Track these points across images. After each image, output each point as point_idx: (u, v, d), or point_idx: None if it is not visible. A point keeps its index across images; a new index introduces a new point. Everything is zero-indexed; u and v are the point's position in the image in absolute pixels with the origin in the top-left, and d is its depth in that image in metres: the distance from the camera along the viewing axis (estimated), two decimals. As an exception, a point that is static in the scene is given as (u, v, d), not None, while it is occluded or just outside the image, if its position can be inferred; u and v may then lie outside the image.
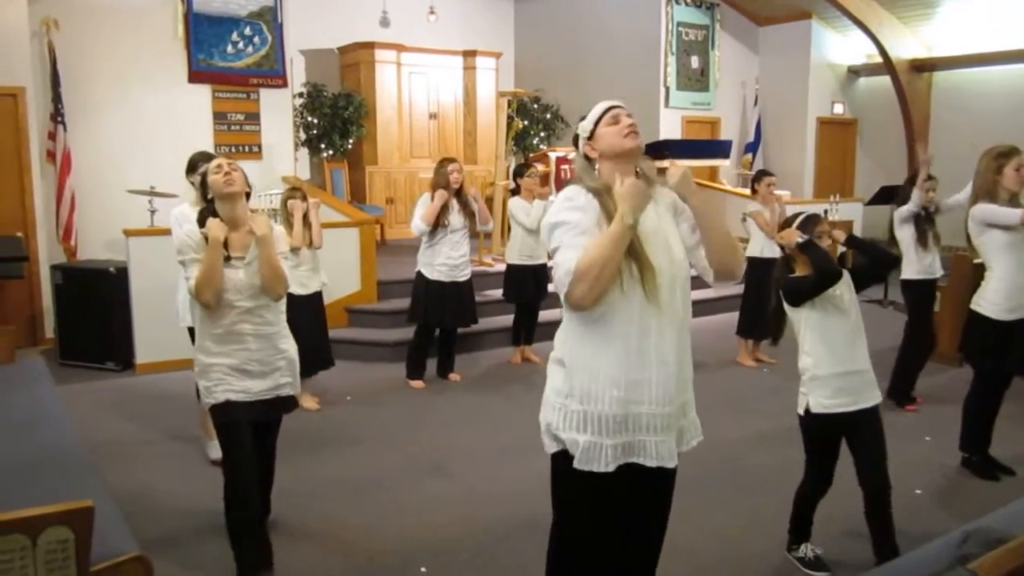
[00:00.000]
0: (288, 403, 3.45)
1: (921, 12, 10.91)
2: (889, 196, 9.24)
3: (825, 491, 3.40)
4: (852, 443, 3.27)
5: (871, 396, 3.23)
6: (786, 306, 3.30)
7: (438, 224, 5.90)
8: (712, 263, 2.40)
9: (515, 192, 6.80)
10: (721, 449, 4.66)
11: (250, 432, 3.31)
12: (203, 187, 3.34)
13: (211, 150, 8.83)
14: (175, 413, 5.45)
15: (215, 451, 4.25)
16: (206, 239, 3.16)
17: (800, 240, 3.19)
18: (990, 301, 4.16)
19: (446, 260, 5.98)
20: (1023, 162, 4.07)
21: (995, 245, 4.13)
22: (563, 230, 2.28)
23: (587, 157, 2.43)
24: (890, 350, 5.60)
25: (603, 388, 2.27)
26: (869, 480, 3.23)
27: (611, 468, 2.28)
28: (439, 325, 6.23)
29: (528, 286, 6.69)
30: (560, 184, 8.81)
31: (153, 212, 6.96)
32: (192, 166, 4.57)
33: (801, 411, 3.29)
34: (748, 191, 7.62)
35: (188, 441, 4.97)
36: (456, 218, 5.99)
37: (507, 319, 7.18)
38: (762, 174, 6.81)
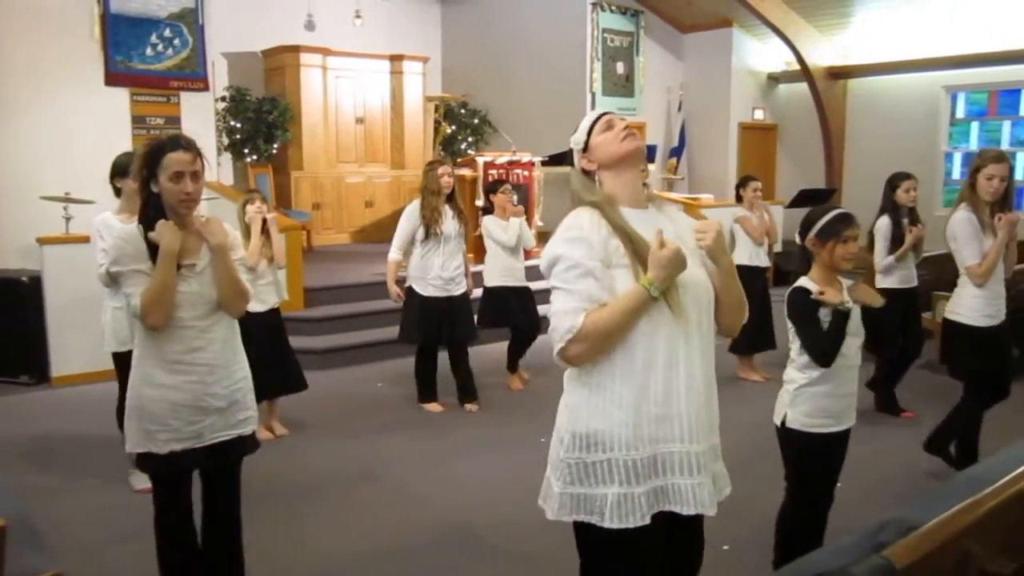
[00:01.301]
0: (249, 443, 2.93)
1: (837, 21, 11.27)
2: (809, 199, 9.54)
3: (827, 509, 3.20)
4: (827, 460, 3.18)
5: (849, 419, 3.12)
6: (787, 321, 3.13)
7: (429, 233, 5.44)
8: (720, 319, 2.22)
9: (487, 211, 6.41)
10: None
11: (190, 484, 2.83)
12: (145, 192, 2.72)
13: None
14: (95, 426, 5.27)
15: (140, 481, 3.96)
16: (149, 247, 2.64)
17: (841, 308, 2.95)
18: (970, 308, 4.15)
19: (440, 273, 5.49)
20: (993, 173, 4.00)
21: (979, 251, 4.10)
22: (563, 267, 2.05)
23: (585, 171, 2.22)
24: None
25: (627, 428, 2.02)
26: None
27: (647, 520, 2.02)
28: (435, 345, 5.71)
29: (513, 310, 6.13)
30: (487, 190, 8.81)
31: (68, 219, 6.73)
32: (120, 170, 4.18)
33: (777, 421, 3.15)
34: (670, 193, 7.68)
35: (109, 456, 4.81)
36: (450, 225, 5.50)
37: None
38: (748, 179, 6.67)
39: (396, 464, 4.76)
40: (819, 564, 1.96)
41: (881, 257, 5.45)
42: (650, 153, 11.30)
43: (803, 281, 3.05)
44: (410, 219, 5.53)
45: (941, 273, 6.96)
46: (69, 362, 6.39)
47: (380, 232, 11.37)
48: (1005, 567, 1.71)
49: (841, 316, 2.94)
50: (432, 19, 13.24)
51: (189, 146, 2.70)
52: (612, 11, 11.89)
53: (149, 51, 8.85)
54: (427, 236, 5.45)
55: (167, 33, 8.95)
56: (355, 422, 5.54)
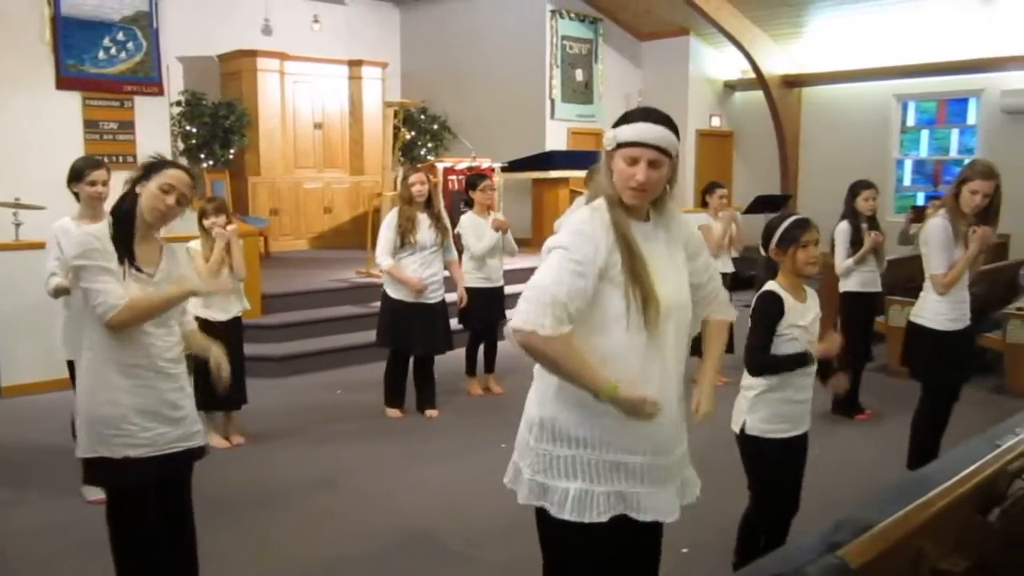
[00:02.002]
0: (198, 455, 2.88)
1: (791, 31, 11.46)
2: (764, 205, 9.68)
3: (791, 516, 3.20)
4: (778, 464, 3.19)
5: (805, 423, 3.15)
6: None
7: (404, 241, 5.39)
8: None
9: (468, 204, 6.17)
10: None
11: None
12: (129, 188, 2.71)
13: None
14: (47, 436, 5.15)
15: (93, 492, 3.83)
16: (120, 249, 2.63)
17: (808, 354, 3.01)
18: (934, 312, 4.17)
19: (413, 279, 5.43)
20: (978, 188, 3.98)
21: (948, 259, 4.13)
22: (562, 256, 2.01)
23: (608, 164, 2.12)
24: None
25: (595, 430, 2.06)
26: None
27: (604, 519, 2.06)
28: (407, 351, 5.62)
29: (491, 310, 6.03)
30: (448, 196, 8.81)
31: (18, 225, 6.57)
32: (77, 174, 4.05)
33: (736, 428, 3.15)
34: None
35: (62, 466, 4.70)
36: (426, 235, 5.42)
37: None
38: (714, 186, 6.72)
39: (357, 471, 4.73)
40: (775, 565, 1.98)
41: (841, 260, 5.55)
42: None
43: (772, 286, 3.06)
44: (388, 227, 5.49)
45: (894, 278, 7.11)
46: (19, 371, 6.24)
47: (339, 238, 11.30)
48: (957, 565, 1.75)
49: (804, 358, 3.00)
50: (391, 24, 13.20)
51: (191, 175, 2.78)
52: (571, 18, 11.97)
53: (102, 55, 8.71)
54: (402, 244, 5.42)
55: (120, 36, 8.82)
56: (314, 429, 5.49)
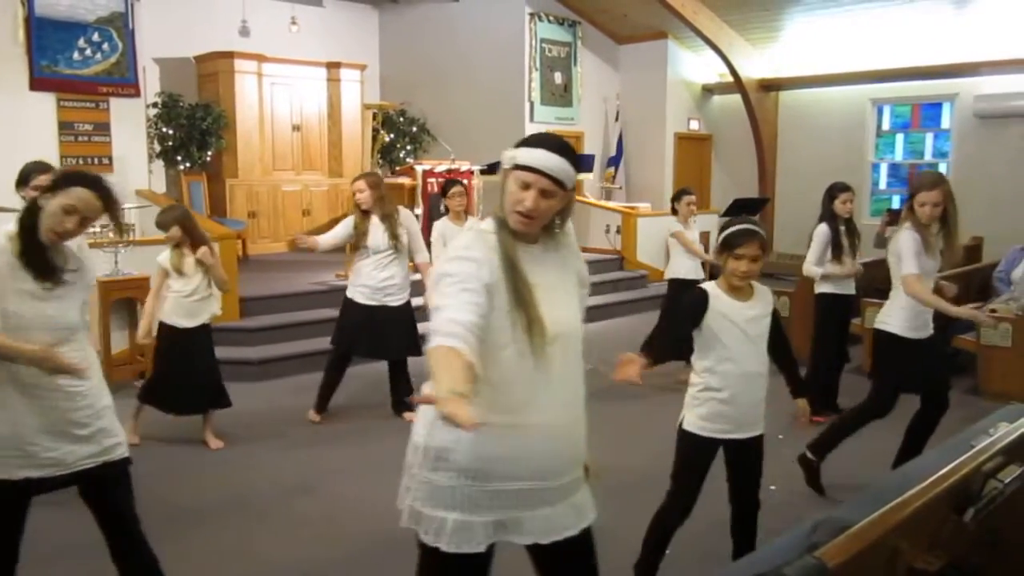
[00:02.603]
0: (120, 468, 2.78)
1: (768, 35, 11.55)
2: (742, 208, 9.74)
3: (684, 519, 3.19)
4: (728, 465, 3.18)
5: (755, 427, 3.11)
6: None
7: (358, 244, 5.37)
8: None
9: (447, 209, 6.15)
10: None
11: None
12: (31, 214, 2.54)
13: (56, 161, 8.37)
14: None
15: None
16: (33, 261, 2.51)
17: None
18: (898, 319, 4.22)
19: (367, 281, 5.36)
20: (924, 200, 4.06)
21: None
22: (446, 283, 1.94)
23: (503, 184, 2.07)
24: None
25: (477, 461, 1.99)
26: (739, 500, 3.21)
27: (482, 548, 2.03)
28: (352, 352, 5.59)
29: None
30: (427, 199, 8.79)
31: (-9, 227, 6.50)
32: (24, 178, 3.90)
33: (679, 424, 3.17)
34: (608, 202, 7.75)
35: None
36: (380, 239, 5.32)
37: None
38: (682, 193, 6.72)
39: (334, 475, 4.70)
40: (753, 565, 1.99)
41: (812, 259, 5.59)
42: (588, 162, 11.41)
43: (709, 285, 3.08)
44: (344, 225, 5.49)
45: (871, 281, 7.17)
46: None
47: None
48: (932, 564, 1.76)
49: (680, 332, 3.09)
50: (369, 26, 13.17)
51: (105, 197, 2.58)
52: (550, 21, 12.00)
53: (76, 55, 8.62)
54: (356, 246, 5.42)
55: (95, 37, 8.73)
56: (293, 434, 5.46)
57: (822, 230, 5.58)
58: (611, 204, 11.50)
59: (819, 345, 5.79)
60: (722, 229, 3.07)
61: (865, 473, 4.58)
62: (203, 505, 4.23)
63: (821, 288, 5.65)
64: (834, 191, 5.62)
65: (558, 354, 2.02)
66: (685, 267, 6.52)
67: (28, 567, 3.28)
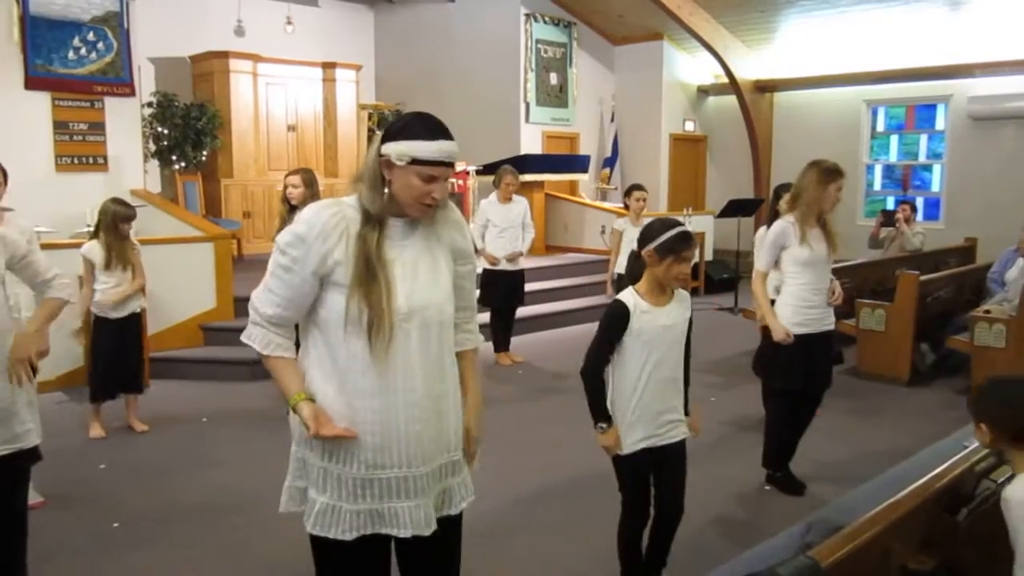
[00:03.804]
0: (29, 455, 2.85)
1: (763, 36, 11.57)
2: (738, 209, 9.77)
3: (645, 525, 3.13)
4: (656, 474, 3.06)
5: (676, 433, 3.02)
6: None
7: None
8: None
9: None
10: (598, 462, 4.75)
11: None
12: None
13: (52, 161, 8.36)
14: None
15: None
16: None
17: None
18: (781, 315, 4.14)
19: None
20: (842, 185, 4.11)
21: (790, 260, 4.17)
22: (274, 258, 2.03)
23: (382, 175, 1.97)
24: (740, 355, 5.82)
25: (345, 446, 1.96)
26: (666, 507, 3.09)
27: (349, 537, 1.98)
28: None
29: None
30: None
31: (-15, 227, 6.48)
32: None
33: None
34: (603, 203, 7.76)
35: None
36: None
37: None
38: (633, 188, 6.79)
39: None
40: (747, 565, 2.00)
41: (759, 265, 5.53)
42: (583, 163, 11.42)
43: (626, 294, 2.95)
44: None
45: (863, 281, 7.20)
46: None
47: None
48: (925, 564, 1.77)
49: (600, 414, 2.92)
50: (365, 27, 13.16)
51: None
52: (545, 22, 12.00)
53: (71, 55, 8.59)
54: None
55: (90, 36, 8.71)
56: (285, 433, 5.44)
57: (764, 233, 5.50)
58: (606, 205, 11.50)
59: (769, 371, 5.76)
60: (649, 233, 2.91)
61: (856, 470, 4.60)
62: (200, 504, 4.22)
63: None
64: (780, 192, 5.49)
65: (415, 331, 1.96)
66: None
67: (29, 564, 3.29)
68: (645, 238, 2.91)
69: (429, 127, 1.95)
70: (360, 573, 2.07)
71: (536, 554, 3.64)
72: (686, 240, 2.87)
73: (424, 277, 2.01)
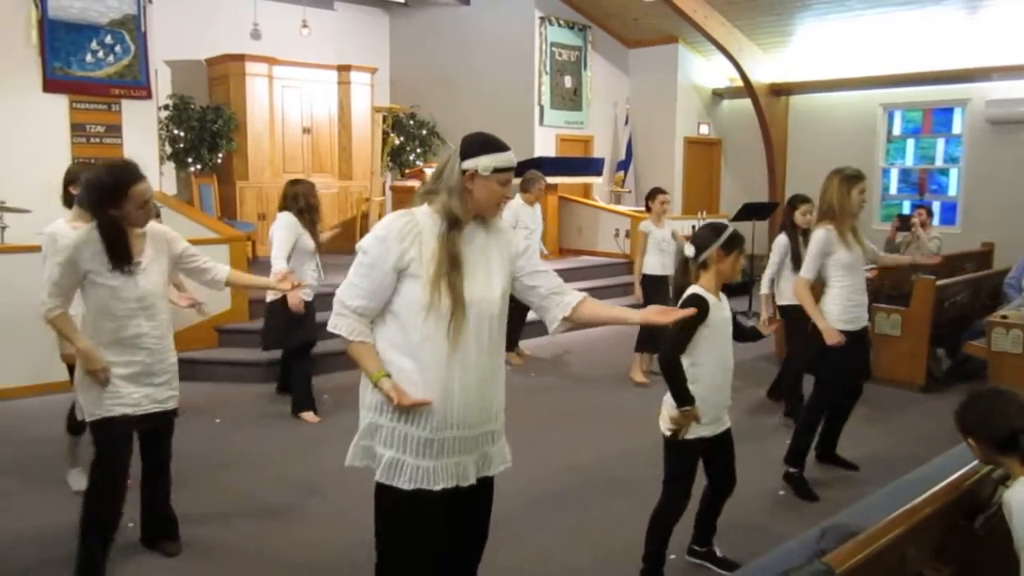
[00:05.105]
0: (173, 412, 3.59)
1: (778, 39, 11.52)
2: (752, 213, 9.72)
3: (680, 516, 3.34)
4: (708, 460, 3.34)
5: (727, 420, 3.32)
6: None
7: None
8: (566, 321, 2.62)
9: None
10: (601, 460, 4.74)
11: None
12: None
13: (69, 163, 8.41)
14: (33, 442, 5.11)
15: (77, 481, 4.13)
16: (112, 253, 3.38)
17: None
18: (828, 312, 4.40)
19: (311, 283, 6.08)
20: (865, 187, 4.34)
21: (836, 265, 4.41)
22: (358, 259, 2.40)
23: (465, 186, 2.39)
24: (755, 359, 5.80)
25: (416, 411, 2.36)
26: (724, 487, 3.40)
27: (407, 487, 2.38)
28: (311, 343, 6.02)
29: None
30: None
31: (3, 228, 6.54)
32: (74, 177, 4.34)
33: (663, 427, 3.23)
34: (617, 206, 7.75)
35: (49, 470, 4.66)
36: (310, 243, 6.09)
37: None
38: (656, 192, 6.81)
39: (341, 474, 4.69)
40: (761, 571, 1.99)
41: (770, 270, 5.67)
42: (597, 166, 11.41)
43: (699, 290, 3.17)
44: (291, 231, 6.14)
45: (879, 286, 7.15)
46: (5, 374, 6.17)
47: (327, 243, 11.24)
48: (941, 571, 1.76)
49: (684, 399, 3.09)
50: (380, 30, 13.20)
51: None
52: (560, 25, 12.00)
53: (89, 58, 8.67)
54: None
55: (108, 40, 8.78)
56: (301, 436, 5.47)
57: (781, 241, 5.61)
58: (620, 208, 11.50)
59: (788, 357, 5.94)
60: (707, 236, 3.19)
61: (871, 476, 4.58)
62: (211, 506, 4.24)
63: (783, 300, 5.60)
64: (795, 202, 5.74)
65: (472, 318, 2.37)
66: (652, 263, 6.65)
67: (23, 553, 3.32)
68: (705, 242, 3.19)
69: (498, 142, 2.43)
70: (413, 519, 2.43)
71: (545, 553, 3.63)
72: (740, 235, 3.23)
73: (481, 275, 2.42)
